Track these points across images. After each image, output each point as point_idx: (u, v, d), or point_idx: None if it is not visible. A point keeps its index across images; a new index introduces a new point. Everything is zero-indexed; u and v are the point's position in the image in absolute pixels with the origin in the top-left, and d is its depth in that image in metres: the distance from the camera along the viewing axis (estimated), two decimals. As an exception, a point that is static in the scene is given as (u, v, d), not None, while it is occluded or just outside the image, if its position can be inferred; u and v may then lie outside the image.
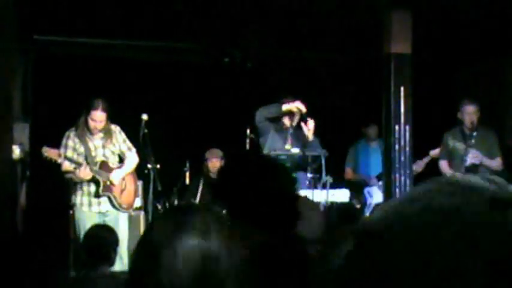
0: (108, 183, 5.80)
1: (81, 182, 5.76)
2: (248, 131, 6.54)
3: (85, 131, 5.78)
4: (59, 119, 6.39)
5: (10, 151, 5.85)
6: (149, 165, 6.29)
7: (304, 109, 6.23)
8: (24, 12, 6.24)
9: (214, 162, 7.13)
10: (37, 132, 6.58)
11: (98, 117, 5.72)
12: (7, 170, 5.82)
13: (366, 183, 7.26)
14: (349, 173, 7.39)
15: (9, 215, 5.88)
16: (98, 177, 5.76)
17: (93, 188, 5.79)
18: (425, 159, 7.22)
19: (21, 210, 6.40)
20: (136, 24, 6.89)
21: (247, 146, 6.57)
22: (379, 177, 7.06)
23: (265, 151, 6.03)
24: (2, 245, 5.31)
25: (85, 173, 5.66)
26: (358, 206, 7.03)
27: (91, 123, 5.74)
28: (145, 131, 6.10)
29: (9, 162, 5.86)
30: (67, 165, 5.69)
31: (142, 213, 6.52)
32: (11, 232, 5.82)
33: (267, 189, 1.97)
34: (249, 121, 6.41)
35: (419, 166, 7.12)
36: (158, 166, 6.33)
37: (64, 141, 5.79)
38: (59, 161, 5.64)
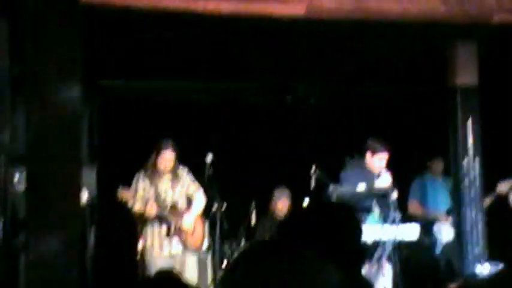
0: (178, 225, 5.78)
1: (152, 223, 5.75)
2: (313, 169, 6.44)
3: (154, 172, 5.80)
4: (125, 162, 6.42)
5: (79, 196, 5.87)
6: (215, 205, 6.25)
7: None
8: (88, 59, 6.34)
9: (284, 201, 7.05)
10: (104, 175, 6.62)
11: (168, 156, 5.76)
12: (76, 215, 5.84)
13: (435, 220, 6.97)
14: (415, 206, 6.96)
15: (79, 259, 5.88)
16: (168, 219, 5.75)
17: (164, 229, 5.78)
18: (488, 199, 6.51)
19: (90, 255, 6.41)
20: (196, 66, 6.93)
21: (312, 184, 6.46)
22: (448, 213, 6.82)
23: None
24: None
25: (152, 207, 5.65)
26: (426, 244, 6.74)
27: (161, 163, 5.77)
28: (211, 171, 6.08)
29: (78, 207, 5.88)
30: (138, 207, 5.70)
31: (209, 256, 6.44)
32: (81, 276, 5.82)
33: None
34: (315, 158, 6.33)
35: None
36: (224, 205, 6.28)
37: (134, 184, 5.82)
38: (130, 202, 5.67)
